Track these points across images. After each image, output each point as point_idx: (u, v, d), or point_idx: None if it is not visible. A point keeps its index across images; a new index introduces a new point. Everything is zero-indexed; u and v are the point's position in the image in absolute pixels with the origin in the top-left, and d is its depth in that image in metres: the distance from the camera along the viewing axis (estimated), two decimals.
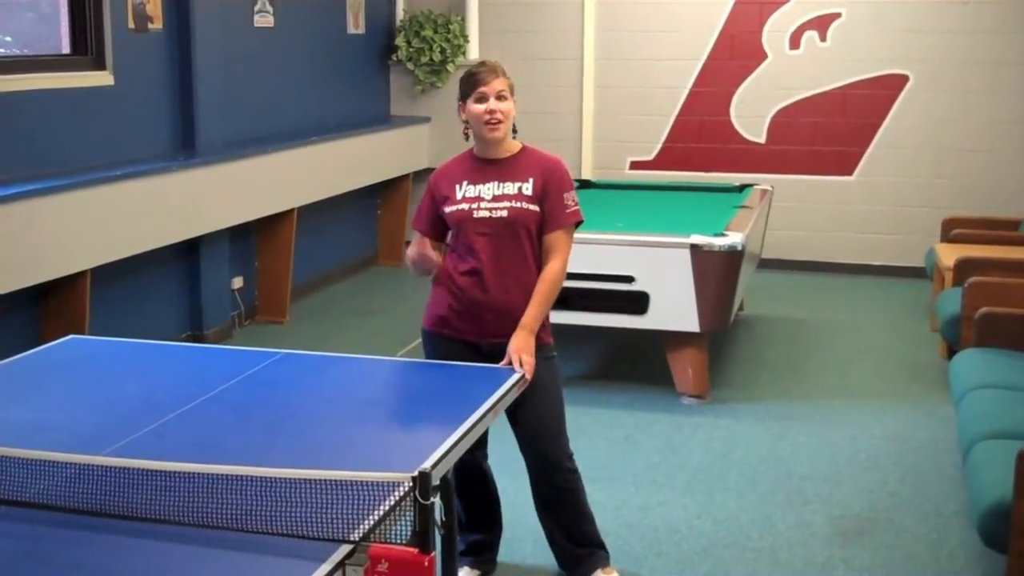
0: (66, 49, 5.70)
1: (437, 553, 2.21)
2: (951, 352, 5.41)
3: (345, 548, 2.10)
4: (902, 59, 7.99)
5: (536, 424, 3.37)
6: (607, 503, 4.25)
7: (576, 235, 5.26)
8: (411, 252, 3.46)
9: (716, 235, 5.27)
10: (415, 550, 2.13)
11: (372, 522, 2.14)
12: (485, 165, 3.40)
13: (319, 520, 2.14)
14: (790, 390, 5.68)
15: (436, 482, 2.33)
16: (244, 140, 6.81)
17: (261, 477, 2.27)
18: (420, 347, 3.59)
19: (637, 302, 5.30)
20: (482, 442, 3.49)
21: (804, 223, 8.32)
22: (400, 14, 8.74)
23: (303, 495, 2.22)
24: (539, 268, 3.40)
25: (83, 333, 4.88)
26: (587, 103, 8.60)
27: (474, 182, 3.38)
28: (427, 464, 2.30)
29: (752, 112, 8.31)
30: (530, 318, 3.32)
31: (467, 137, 3.43)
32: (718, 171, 8.29)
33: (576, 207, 3.44)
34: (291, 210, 6.93)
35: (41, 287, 5.06)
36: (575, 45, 8.56)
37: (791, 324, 6.93)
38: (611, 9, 8.45)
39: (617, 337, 6.31)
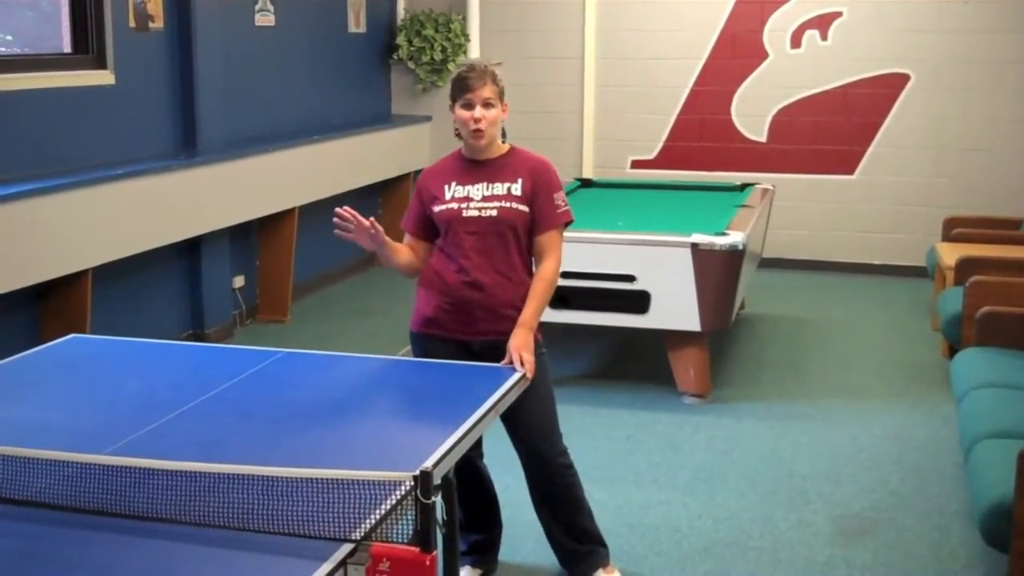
0: (67, 48, 5.71)
1: (439, 552, 2.21)
2: (952, 351, 5.41)
3: (347, 547, 2.10)
4: (903, 58, 7.99)
5: (528, 421, 3.37)
6: (608, 502, 4.25)
7: (577, 234, 5.35)
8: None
9: (717, 234, 5.27)
10: (417, 549, 2.13)
11: (374, 521, 2.14)
12: (474, 166, 3.41)
13: (321, 519, 2.14)
14: (791, 389, 5.68)
15: (437, 481, 2.33)
16: (245, 139, 6.81)
17: (262, 476, 2.27)
18: None
19: (638, 301, 5.30)
20: (477, 441, 3.49)
21: (805, 222, 8.32)
22: (401, 13, 8.74)
23: (304, 494, 2.22)
24: (527, 267, 3.42)
25: (84, 332, 4.88)
26: (588, 102, 8.60)
27: (463, 183, 3.39)
28: (428, 463, 2.30)
29: (753, 111, 8.31)
30: (529, 316, 3.33)
31: (459, 137, 3.44)
32: (719, 170, 8.29)
33: (566, 207, 3.45)
34: (292, 209, 6.93)
35: (42, 286, 5.06)
36: (576, 44, 8.56)
37: (792, 323, 6.93)
38: (612, 8, 8.45)
39: (618, 336, 6.31)
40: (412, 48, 8.53)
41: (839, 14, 8.06)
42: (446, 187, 3.39)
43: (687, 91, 8.41)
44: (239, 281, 6.91)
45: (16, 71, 5.23)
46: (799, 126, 8.24)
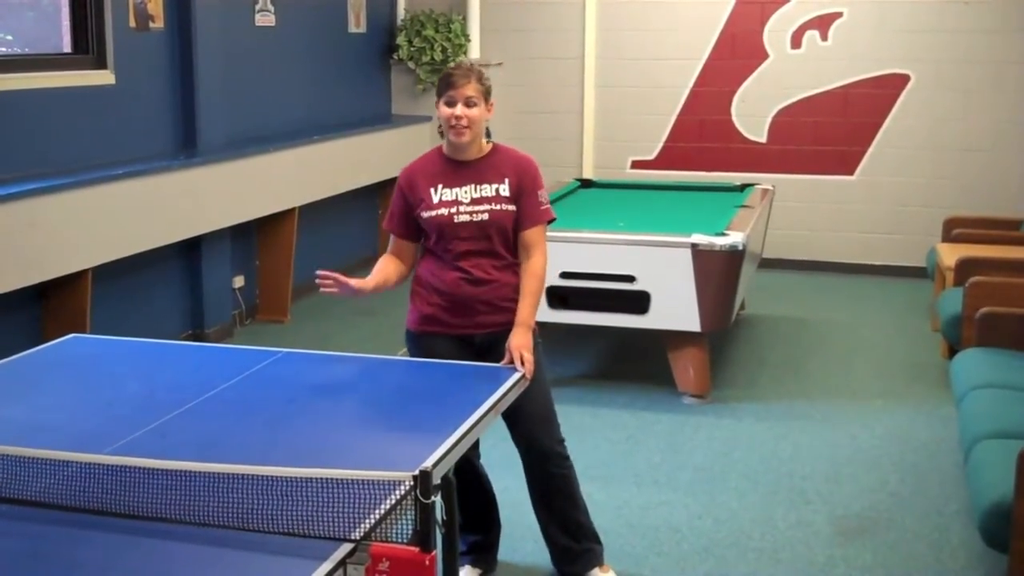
0: (67, 48, 5.71)
1: (438, 552, 2.21)
2: (952, 352, 5.41)
3: (346, 547, 2.10)
4: (903, 59, 7.99)
5: (526, 412, 3.37)
6: (608, 502, 4.26)
7: (577, 234, 5.37)
8: (382, 260, 3.51)
9: (717, 235, 5.27)
10: (416, 549, 2.13)
11: (373, 521, 2.14)
12: (458, 167, 3.40)
13: (320, 519, 2.14)
14: (791, 390, 5.68)
15: (437, 481, 2.33)
16: (245, 139, 6.81)
17: (262, 476, 2.27)
18: None
19: (638, 302, 5.30)
20: (475, 442, 3.49)
21: (805, 223, 8.32)
22: (401, 13, 8.74)
23: (304, 494, 2.22)
24: (515, 257, 3.42)
25: (84, 332, 4.88)
26: (588, 102, 8.60)
27: (449, 185, 3.38)
28: (428, 463, 2.30)
29: (753, 111, 8.31)
30: (526, 315, 3.34)
31: (441, 135, 3.45)
32: (719, 170, 8.29)
33: (548, 205, 3.47)
34: (292, 209, 6.93)
35: (42, 286, 5.06)
36: (576, 44, 8.56)
37: (792, 324, 6.93)
38: (612, 8, 8.45)
39: (618, 337, 6.31)
40: (412, 48, 8.53)
41: (839, 15, 8.07)
42: (432, 190, 3.38)
43: (687, 91, 8.41)
44: (239, 281, 6.91)
45: (16, 71, 5.23)
46: (799, 127, 8.25)
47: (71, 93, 5.48)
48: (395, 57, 8.69)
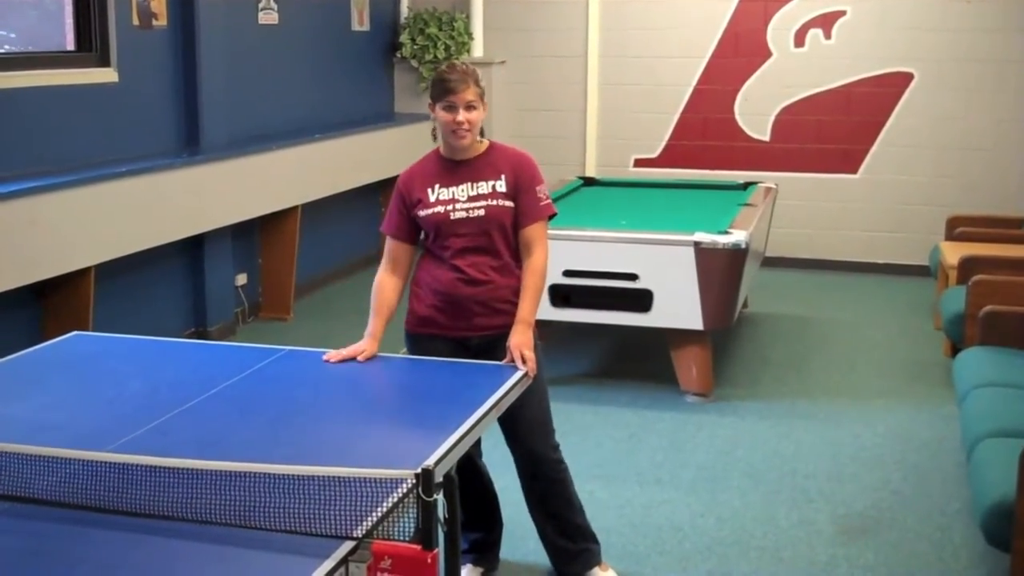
0: (70, 46, 5.71)
1: (440, 550, 2.21)
2: (955, 350, 5.41)
3: (348, 544, 2.10)
4: (906, 57, 7.99)
5: (521, 418, 3.37)
6: (610, 501, 4.26)
7: (580, 233, 5.37)
8: (378, 279, 3.46)
9: (720, 233, 5.27)
10: (418, 547, 2.14)
11: (375, 519, 2.14)
12: (455, 166, 3.39)
13: (322, 516, 2.14)
14: (794, 388, 5.67)
15: (439, 479, 2.33)
16: (248, 137, 6.81)
17: (264, 474, 2.27)
18: None
19: (641, 300, 5.30)
20: (477, 440, 3.49)
21: (808, 221, 8.31)
22: (405, 11, 8.74)
23: (306, 491, 2.22)
24: (515, 258, 3.41)
25: (87, 330, 4.88)
26: (591, 100, 8.60)
27: (446, 184, 3.37)
28: (430, 461, 2.30)
29: (756, 110, 8.30)
30: (526, 312, 3.33)
31: (435, 138, 3.43)
32: (722, 169, 8.28)
33: (548, 200, 3.45)
34: (295, 207, 6.93)
35: (45, 284, 5.06)
36: (580, 42, 8.56)
37: (795, 322, 6.93)
38: (616, 6, 8.45)
39: (621, 335, 6.31)
40: (415, 46, 8.53)
41: (842, 13, 8.06)
42: (429, 190, 3.38)
43: (690, 90, 8.40)
44: (241, 279, 6.91)
45: (19, 69, 5.23)
46: (802, 125, 8.24)
47: (74, 91, 5.49)
48: (398, 55, 8.70)
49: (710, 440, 4.96)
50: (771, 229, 7.15)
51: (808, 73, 8.16)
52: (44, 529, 2.21)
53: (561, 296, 5.37)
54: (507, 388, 3.02)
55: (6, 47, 5.58)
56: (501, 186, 3.36)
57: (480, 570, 3.66)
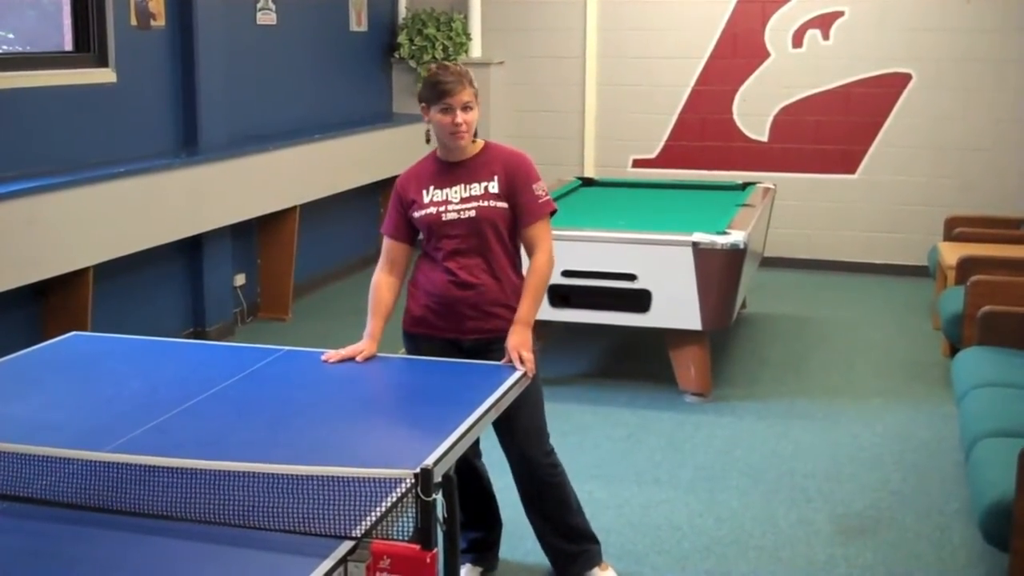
0: (68, 46, 5.71)
1: (439, 550, 2.21)
2: (953, 350, 5.41)
3: (347, 544, 2.10)
4: (905, 58, 7.99)
5: (516, 424, 3.36)
6: (609, 501, 4.26)
7: (579, 233, 5.37)
8: (375, 279, 3.46)
9: (718, 233, 5.27)
10: (417, 547, 2.13)
11: (374, 518, 2.14)
12: (450, 168, 3.39)
13: (321, 516, 2.14)
14: (792, 388, 5.68)
15: (438, 479, 2.33)
16: (246, 137, 6.81)
17: (263, 473, 2.27)
18: None
19: (639, 300, 5.30)
20: (475, 440, 3.49)
21: (806, 221, 8.31)
22: (403, 12, 8.75)
23: (305, 491, 2.22)
24: (514, 265, 3.41)
25: (85, 330, 4.88)
26: (590, 101, 8.60)
27: (440, 186, 3.37)
28: (429, 461, 2.31)
29: (755, 110, 8.31)
30: (525, 313, 3.32)
31: (428, 140, 3.43)
32: (720, 169, 8.29)
33: (548, 197, 3.43)
34: (293, 207, 6.93)
35: (44, 284, 5.06)
36: (578, 43, 8.56)
37: (793, 322, 6.93)
38: (614, 7, 8.45)
39: (619, 335, 6.31)
40: (413, 47, 8.53)
41: (840, 14, 8.06)
42: (424, 192, 3.38)
43: (688, 90, 8.41)
44: (240, 279, 6.91)
45: (17, 69, 5.23)
46: (801, 125, 8.24)
47: (72, 91, 5.49)
48: (396, 56, 8.70)
49: (709, 440, 4.96)
50: (769, 229, 7.15)
51: (806, 74, 8.16)
52: (43, 529, 2.21)
53: (560, 296, 5.37)
54: (506, 388, 3.02)
55: (4, 47, 5.58)
56: (494, 187, 3.35)
57: (479, 570, 3.66)
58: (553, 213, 3.45)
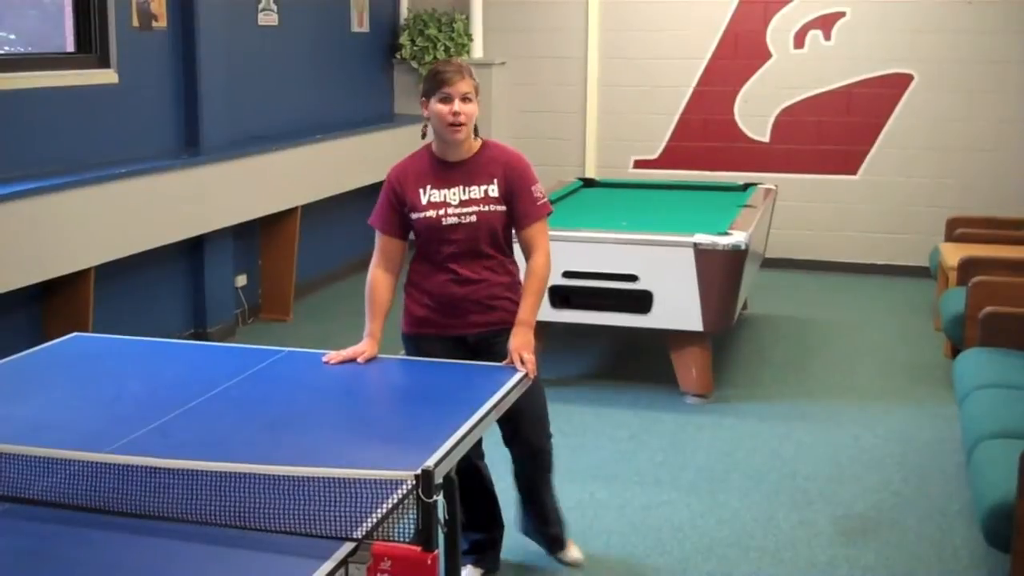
0: (70, 47, 5.71)
1: (440, 551, 2.21)
2: (955, 351, 5.41)
3: (348, 546, 2.10)
4: (906, 58, 7.99)
5: (520, 412, 3.37)
6: (611, 502, 4.25)
7: (580, 234, 5.37)
8: (371, 277, 3.45)
9: (720, 234, 5.27)
10: (418, 548, 2.13)
11: (375, 520, 2.14)
12: (448, 167, 3.37)
13: (322, 518, 2.15)
14: (794, 389, 5.67)
15: (439, 480, 2.33)
16: (248, 138, 6.81)
17: (264, 475, 2.27)
18: None
19: (641, 301, 5.30)
20: (477, 442, 3.49)
21: (808, 222, 8.31)
22: (404, 12, 8.74)
23: (306, 493, 2.22)
24: (509, 258, 3.43)
25: (86, 331, 4.88)
26: (591, 102, 8.60)
27: (438, 186, 3.36)
28: (430, 462, 2.30)
29: (756, 111, 8.30)
30: (527, 314, 3.33)
31: (424, 135, 3.42)
32: (722, 170, 8.28)
33: (545, 199, 3.44)
34: (295, 208, 6.93)
35: (45, 285, 5.07)
36: (579, 44, 8.56)
37: (795, 323, 6.93)
38: (616, 8, 8.45)
39: (621, 336, 6.31)
40: (415, 48, 8.53)
41: (842, 14, 8.06)
42: (421, 191, 3.37)
43: (690, 91, 8.41)
44: (241, 280, 6.91)
45: (19, 70, 5.23)
46: (802, 126, 8.24)
47: (74, 92, 5.49)
48: (398, 56, 8.70)
49: (710, 441, 4.96)
50: (771, 230, 7.15)
51: (808, 74, 8.16)
52: (44, 530, 2.21)
53: (561, 297, 5.37)
54: (507, 389, 3.02)
55: (6, 48, 5.58)
56: (493, 190, 3.35)
57: (480, 571, 3.66)
58: (549, 214, 3.46)
